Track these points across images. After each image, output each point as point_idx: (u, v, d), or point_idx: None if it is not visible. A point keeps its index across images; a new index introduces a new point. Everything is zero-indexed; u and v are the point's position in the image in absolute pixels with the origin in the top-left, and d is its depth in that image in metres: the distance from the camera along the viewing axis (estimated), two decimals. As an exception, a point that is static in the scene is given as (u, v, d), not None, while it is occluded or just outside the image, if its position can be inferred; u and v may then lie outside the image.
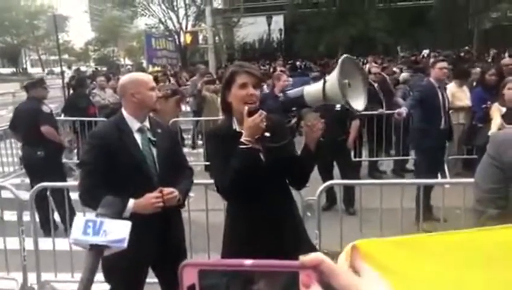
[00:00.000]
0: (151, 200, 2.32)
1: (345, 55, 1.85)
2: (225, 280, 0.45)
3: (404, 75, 7.97)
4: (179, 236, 2.62)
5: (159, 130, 2.51)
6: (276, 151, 2.05)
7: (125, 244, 1.04)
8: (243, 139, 1.97)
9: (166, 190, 2.36)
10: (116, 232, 1.04)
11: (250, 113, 1.96)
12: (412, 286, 0.61)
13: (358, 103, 1.88)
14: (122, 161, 2.33)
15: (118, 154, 2.33)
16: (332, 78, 1.80)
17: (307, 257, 0.44)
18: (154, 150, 2.43)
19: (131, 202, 2.29)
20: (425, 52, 21.30)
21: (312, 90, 1.89)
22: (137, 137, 2.42)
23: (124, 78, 2.63)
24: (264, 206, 2.12)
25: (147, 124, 2.48)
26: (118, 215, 1.12)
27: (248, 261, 0.45)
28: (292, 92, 2.04)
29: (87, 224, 1.03)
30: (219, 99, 7.93)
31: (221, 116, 7.20)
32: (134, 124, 2.43)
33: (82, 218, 1.04)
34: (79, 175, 2.68)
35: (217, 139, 2.19)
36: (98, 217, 1.05)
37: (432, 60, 14.34)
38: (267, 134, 2.02)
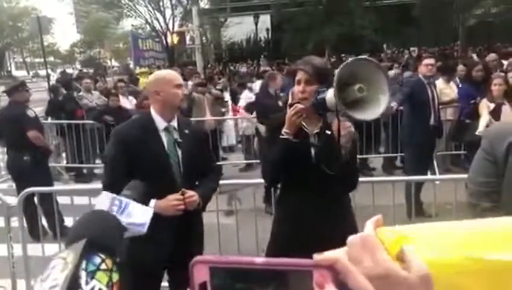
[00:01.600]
0: (172, 202, 2.26)
1: (353, 58, 1.79)
2: (237, 277, 0.43)
3: (392, 72, 8.02)
4: (196, 239, 2.49)
5: (187, 131, 2.44)
6: (322, 150, 2.08)
7: (145, 229, 1.07)
8: (283, 130, 2.07)
9: (189, 192, 2.30)
10: (139, 216, 1.06)
11: (291, 107, 2.08)
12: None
13: (376, 110, 1.78)
14: (145, 159, 2.28)
15: (140, 152, 2.28)
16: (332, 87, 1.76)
17: (321, 256, 0.42)
18: (179, 151, 2.36)
19: (153, 202, 2.22)
20: (413, 49, 21.49)
21: (330, 95, 1.87)
22: (163, 136, 2.36)
23: (150, 76, 2.64)
24: (310, 205, 2.14)
25: (174, 123, 2.40)
26: (142, 198, 1.14)
27: (259, 259, 0.43)
28: (320, 96, 2.03)
29: (114, 201, 1.03)
30: (206, 100, 7.85)
31: (208, 117, 7.12)
32: (160, 123, 2.36)
33: (108, 195, 1.04)
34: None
35: (272, 128, 2.29)
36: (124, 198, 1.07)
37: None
38: (328, 132, 2.09)
